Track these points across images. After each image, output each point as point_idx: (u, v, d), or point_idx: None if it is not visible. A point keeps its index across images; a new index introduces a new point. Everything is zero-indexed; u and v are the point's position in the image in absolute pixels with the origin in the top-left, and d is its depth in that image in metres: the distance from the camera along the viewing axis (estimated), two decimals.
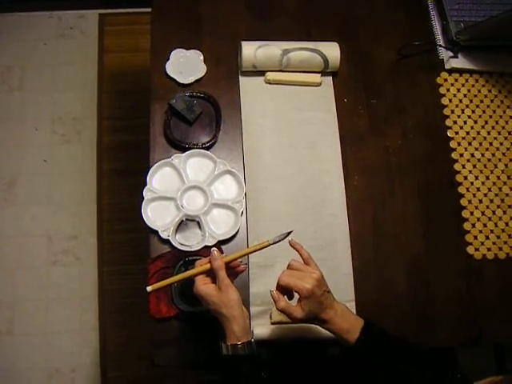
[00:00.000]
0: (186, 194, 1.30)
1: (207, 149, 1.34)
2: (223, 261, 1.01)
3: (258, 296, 1.24)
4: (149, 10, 1.47)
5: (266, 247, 1.05)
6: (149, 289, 1.02)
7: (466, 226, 1.36)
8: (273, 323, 1.22)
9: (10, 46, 2.58)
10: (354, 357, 1.02)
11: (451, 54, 1.49)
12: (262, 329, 1.21)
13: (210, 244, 1.25)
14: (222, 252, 1.24)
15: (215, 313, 1.00)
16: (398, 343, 1.04)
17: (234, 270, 1.05)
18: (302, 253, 1.07)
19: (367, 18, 1.54)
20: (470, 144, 1.43)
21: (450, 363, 1.02)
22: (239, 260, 1.05)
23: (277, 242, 1.05)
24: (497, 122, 1.46)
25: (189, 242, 1.26)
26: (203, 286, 1.01)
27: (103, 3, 2.65)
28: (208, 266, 1.02)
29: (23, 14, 2.63)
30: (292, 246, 1.07)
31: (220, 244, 1.27)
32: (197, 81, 1.40)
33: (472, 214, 1.37)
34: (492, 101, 1.48)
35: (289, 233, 1.06)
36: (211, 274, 1.03)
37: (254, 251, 1.06)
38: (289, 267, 1.05)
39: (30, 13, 2.63)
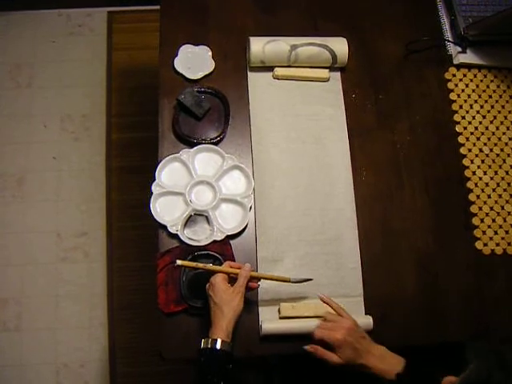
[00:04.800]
0: (194, 188, 1.30)
1: (216, 144, 1.34)
2: (250, 274, 1.12)
3: (267, 291, 1.23)
4: (157, 7, 1.48)
5: (285, 282, 1.17)
6: (178, 262, 1.11)
7: (475, 220, 1.36)
8: (281, 318, 1.22)
9: (19, 43, 2.59)
10: None
11: (459, 49, 1.49)
12: (270, 323, 1.21)
13: (218, 239, 1.25)
14: (231, 248, 1.27)
15: (214, 305, 1.08)
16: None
17: (249, 284, 1.14)
18: (332, 305, 1.17)
19: (373, 12, 1.54)
20: (478, 139, 1.43)
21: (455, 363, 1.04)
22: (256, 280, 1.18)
23: (296, 282, 1.17)
24: (505, 117, 1.46)
25: (197, 236, 1.27)
26: (222, 280, 1.10)
27: (112, 1, 2.66)
28: (237, 270, 1.12)
29: (32, 11, 2.64)
30: (322, 301, 1.19)
31: (228, 239, 1.27)
32: (205, 76, 1.41)
33: (481, 209, 1.37)
34: (501, 96, 1.48)
35: (309, 279, 1.18)
36: (231, 278, 1.14)
37: (275, 280, 1.17)
38: (324, 320, 1.15)
39: (38, 11, 2.64)
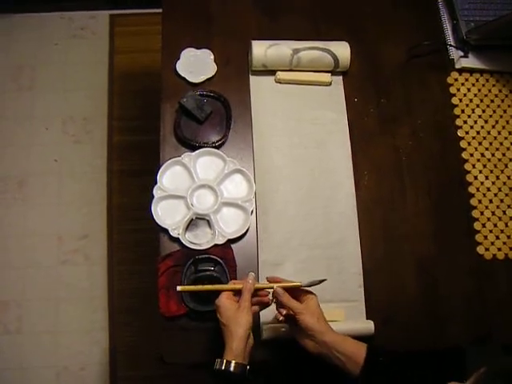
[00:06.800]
0: (195, 192, 1.30)
1: (217, 148, 1.34)
2: (254, 286, 1.07)
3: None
4: (159, 10, 1.48)
5: (297, 287, 1.09)
6: (179, 288, 1.08)
7: (476, 225, 1.35)
8: (280, 321, 1.22)
9: (21, 46, 2.60)
10: None
11: (461, 53, 1.49)
12: (270, 329, 1.21)
13: (219, 243, 1.25)
14: (232, 252, 1.26)
15: (223, 326, 1.04)
16: (406, 362, 1.06)
17: (259, 299, 1.09)
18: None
19: (376, 17, 1.54)
20: (480, 144, 1.43)
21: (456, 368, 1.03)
22: (267, 291, 1.10)
23: (309, 286, 1.09)
24: (507, 122, 1.45)
25: (199, 240, 1.27)
26: (226, 299, 1.05)
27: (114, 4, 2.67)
28: (240, 286, 1.07)
29: (34, 14, 2.65)
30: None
31: (230, 243, 1.27)
32: (207, 80, 1.41)
33: (482, 213, 1.36)
34: (502, 100, 1.47)
35: (322, 280, 1.09)
36: (238, 294, 1.08)
37: (285, 287, 1.09)
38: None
39: (41, 13, 2.65)
